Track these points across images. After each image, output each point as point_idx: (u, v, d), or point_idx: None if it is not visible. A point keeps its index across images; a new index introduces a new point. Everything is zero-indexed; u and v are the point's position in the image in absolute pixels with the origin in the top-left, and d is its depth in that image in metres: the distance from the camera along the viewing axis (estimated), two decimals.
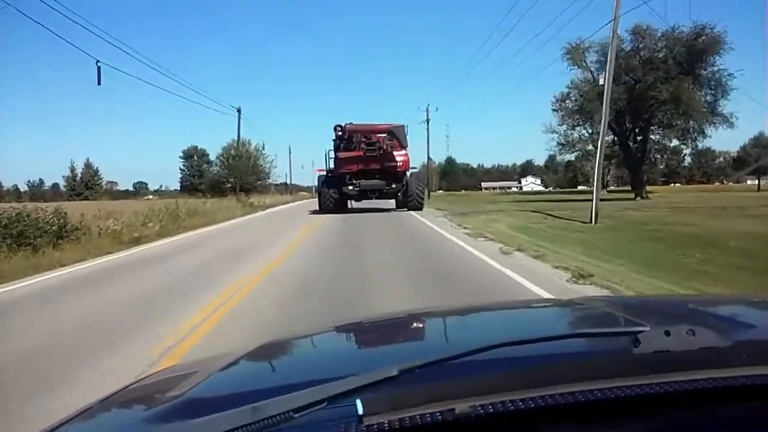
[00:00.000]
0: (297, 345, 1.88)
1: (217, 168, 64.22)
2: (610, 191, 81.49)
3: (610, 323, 1.71)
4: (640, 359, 0.96)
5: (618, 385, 0.88)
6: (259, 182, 64.68)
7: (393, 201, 30.98)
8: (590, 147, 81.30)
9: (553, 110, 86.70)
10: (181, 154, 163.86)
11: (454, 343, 1.73)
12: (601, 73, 30.04)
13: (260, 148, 64.94)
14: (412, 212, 27.47)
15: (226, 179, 62.33)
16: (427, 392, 0.87)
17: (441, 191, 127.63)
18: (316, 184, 32.73)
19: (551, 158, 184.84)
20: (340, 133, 27.73)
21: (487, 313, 2.21)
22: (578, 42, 44.54)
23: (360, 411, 0.82)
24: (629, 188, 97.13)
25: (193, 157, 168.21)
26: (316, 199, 31.92)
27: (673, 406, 0.90)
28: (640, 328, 1.05)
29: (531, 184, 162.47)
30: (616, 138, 68.41)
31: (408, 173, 29.02)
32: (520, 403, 0.84)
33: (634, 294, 6.95)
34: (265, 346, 1.75)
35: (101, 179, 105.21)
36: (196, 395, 1.26)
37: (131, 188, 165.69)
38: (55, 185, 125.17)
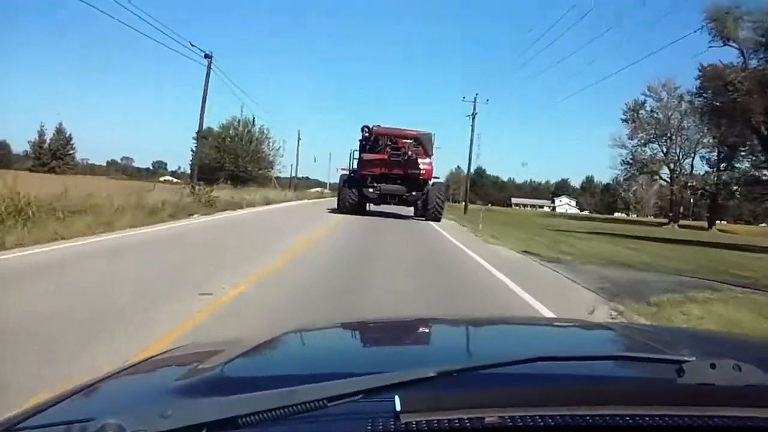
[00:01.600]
0: (321, 336, 1.88)
1: (212, 150, 54.37)
2: (680, 225, 69.48)
3: (653, 350, 1.61)
4: (683, 389, 0.93)
5: (658, 413, 0.87)
6: (261, 172, 54.45)
7: (411, 209, 30.07)
8: (665, 170, 70.71)
9: (623, 120, 75.69)
10: (195, 136, 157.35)
11: (491, 352, 1.71)
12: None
13: (265, 131, 54.84)
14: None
15: (220, 164, 52.12)
16: (462, 398, 0.87)
17: (477, 205, 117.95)
18: (338, 182, 31.81)
19: (588, 179, 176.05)
20: (366, 134, 27.12)
21: (521, 327, 2.27)
22: (729, 7, 32.48)
23: (398, 407, 0.83)
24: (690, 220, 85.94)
25: (207, 138, 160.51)
26: (326, 199, 33.71)
27: None
28: (685, 358, 1.01)
29: (565, 205, 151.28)
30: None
31: (430, 182, 28.37)
32: (550, 420, 0.83)
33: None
34: (288, 333, 1.73)
35: (73, 150, 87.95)
36: (226, 373, 1.26)
37: (151, 167, 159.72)
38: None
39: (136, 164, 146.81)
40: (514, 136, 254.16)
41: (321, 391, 0.84)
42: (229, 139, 52.86)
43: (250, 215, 24.18)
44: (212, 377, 1.24)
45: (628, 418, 0.85)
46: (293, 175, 66.16)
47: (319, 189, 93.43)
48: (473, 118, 45.70)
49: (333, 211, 28.81)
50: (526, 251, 15.23)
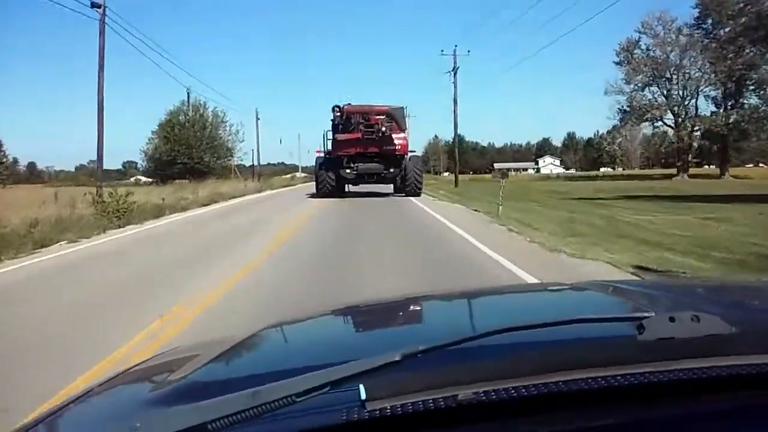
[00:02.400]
0: (294, 330, 1.85)
1: (159, 142, 47.73)
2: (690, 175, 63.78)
3: (614, 309, 1.69)
4: (644, 346, 0.94)
5: (621, 372, 0.88)
6: (220, 161, 47.65)
7: (391, 186, 28.93)
8: (668, 115, 64.17)
9: (617, 63, 68.75)
10: (154, 129, 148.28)
11: (455, 328, 1.63)
12: None
13: (220, 114, 47.85)
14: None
15: (172, 157, 45.23)
16: (429, 378, 0.87)
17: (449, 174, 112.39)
18: (314, 165, 32.00)
19: (570, 136, 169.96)
20: (338, 113, 26.76)
21: (488, 298, 2.25)
22: None
23: (363, 396, 0.83)
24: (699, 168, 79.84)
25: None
26: (297, 186, 33.38)
27: (677, 394, 0.90)
28: (645, 314, 1.02)
29: (550, 165, 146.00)
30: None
31: (407, 157, 27.73)
32: (523, 390, 0.84)
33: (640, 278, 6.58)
34: (262, 331, 1.71)
35: (5, 157, 79.49)
36: (197, 379, 1.26)
37: (122, 167, 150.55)
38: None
39: (106, 166, 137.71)
40: (490, 98, 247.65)
41: (288, 387, 0.82)
42: (178, 127, 45.83)
43: (174, 227, 17.07)
44: (183, 385, 1.21)
45: (591, 381, 0.86)
46: (256, 162, 56.48)
47: (289, 175, 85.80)
48: (455, 74, 39.22)
49: (309, 196, 27.05)
50: (612, 260, 8.53)
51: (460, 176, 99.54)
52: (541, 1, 52.78)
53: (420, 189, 27.38)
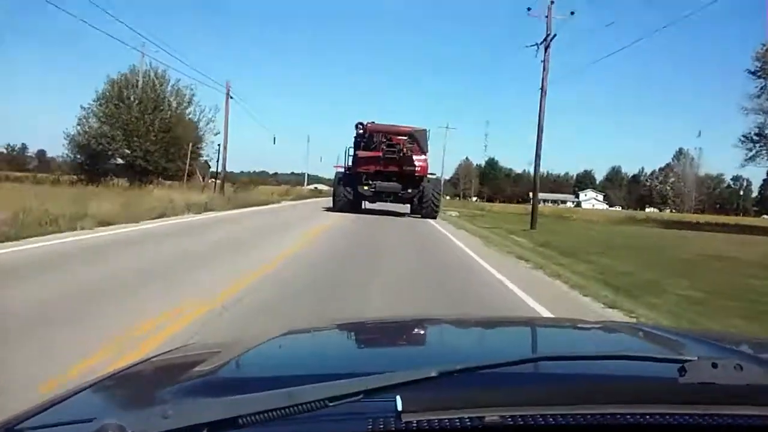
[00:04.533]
0: (319, 336, 1.87)
1: (97, 121, 32.46)
2: None
3: (653, 349, 1.65)
4: (685, 389, 0.93)
5: (662, 411, 0.87)
6: (174, 160, 32.73)
7: (408, 206, 28.57)
8: None
9: (752, 72, 51.10)
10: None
11: (492, 351, 1.71)
12: None
13: (187, 91, 33.17)
14: None
15: (108, 147, 30.45)
16: (463, 398, 0.88)
17: (482, 202, 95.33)
18: (333, 180, 31.15)
19: (615, 170, 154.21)
20: (361, 131, 26.68)
21: (525, 327, 2.27)
22: None
23: (399, 407, 0.83)
24: None
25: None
26: (283, 213, 26.57)
27: None
28: (687, 358, 1.00)
29: (592, 200, 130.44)
30: None
31: (425, 179, 27.23)
32: (551, 419, 0.84)
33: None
34: (288, 334, 1.72)
35: None
36: (225, 374, 1.27)
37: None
38: None
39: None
40: (527, 124, 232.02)
41: (322, 391, 0.83)
42: (116, 103, 31.25)
43: None
44: (213, 378, 1.24)
45: (629, 417, 0.85)
46: (220, 162, 34.55)
47: (282, 187, 69.87)
48: (546, 48, 24.14)
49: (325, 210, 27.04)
50: None
51: (489, 203, 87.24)
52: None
53: (437, 212, 27.47)
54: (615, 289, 9.18)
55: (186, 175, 31.49)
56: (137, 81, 31.40)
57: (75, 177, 31.24)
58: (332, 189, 31.53)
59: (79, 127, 32.39)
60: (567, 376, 1.08)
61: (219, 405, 0.84)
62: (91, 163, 31.51)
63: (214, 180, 35.17)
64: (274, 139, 50.57)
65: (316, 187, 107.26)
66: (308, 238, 13.92)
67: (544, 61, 24.06)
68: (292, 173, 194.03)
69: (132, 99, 31.19)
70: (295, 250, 11.21)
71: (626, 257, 14.80)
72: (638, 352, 1.44)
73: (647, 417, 0.86)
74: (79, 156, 32.73)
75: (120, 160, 30.88)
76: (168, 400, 1.07)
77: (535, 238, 19.51)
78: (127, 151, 30.48)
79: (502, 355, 1.15)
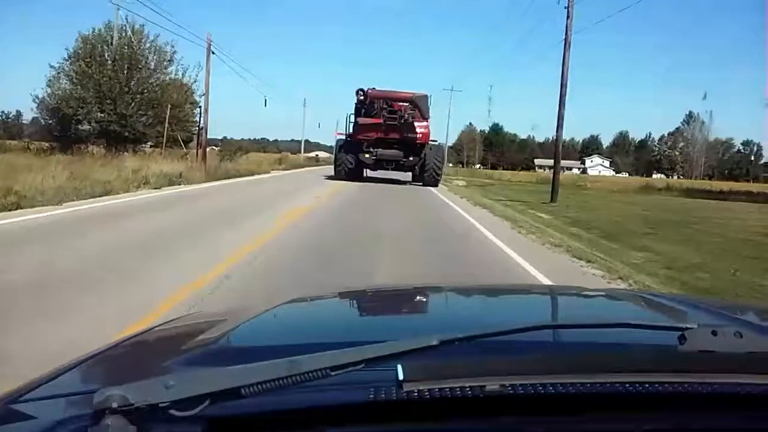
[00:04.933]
0: (323, 305, 1.87)
1: (69, 82, 28.52)
2: None
3: (654, 317, 1.64)
4: (685, 356, 0.94)
5: (661, 380, 0.87)
6: (152, 124, 29.64)
7: (409, 174, 28.14)
8: None
9: None
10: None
11: (494, 320, 1.70)
12: None
13: (166, 50, 29.90)
14: None
15: (79, 111, 27.40)
16: (464, 366, 0.87)
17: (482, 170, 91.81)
18: (334, 147, 31.34)
19: (621, 136, 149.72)
20: (362, 97, 26.20)
21: (527, 295, 2.28)
22: None
23: (401, 376, 0.83)
24: None
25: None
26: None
27: (715, 407, 0.90)
28: (687, 325, 1.00)
29: (598, 166, 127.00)
30: None
31: (427, 146, 26.71)
32: (551, 388, 0.84)
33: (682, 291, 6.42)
34: (290, 303, 1.73)
35: None
36: (227, 344, 1.28)
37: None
38: None
39: None
40: (531, 86, 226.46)
41: (323, 360, 0.83)
42: (87, 61, 27.58)
43: None
44: (214, 348, 1.24)
45: (628, 386, 0.86)
46: (202, 125, 29.81)
47: (278, 155, 64.23)
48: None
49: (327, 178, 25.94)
50: None
51: (493, 171, 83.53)
52: None
53: (438, 179, 27.14)
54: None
55: (165, 141, 28.25)
56: (111, 37, 27.99)
57: (47, 144, 28.09)
58: (332, 157, 31.63)
59: (48, 89, 28.82)
60: (568, 344, 1.07)
61: (222, 375, 0.83)
62: (62, 128, 28.37)
63: (184, 144, 31.71)
64: (265, 101, 45.76)
65: (317, 155, 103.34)
66: (262, 242, 8.34)
67: (567, 6, 20.86)
68: (293, 140, 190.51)
69: (105, 57, 27.77)
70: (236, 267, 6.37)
71: (679, 240, 12.06)
72: (639, 320, 1.40)
73: (646, 385, 0.86)
74: (49, 121, 29.54)
75: (93, 125, 27.67)
76: (171, 370, 1.09)
77: (563, 214, 16.66)
78: (101, 115, 27.29)
79: (504, 323, 1.16)
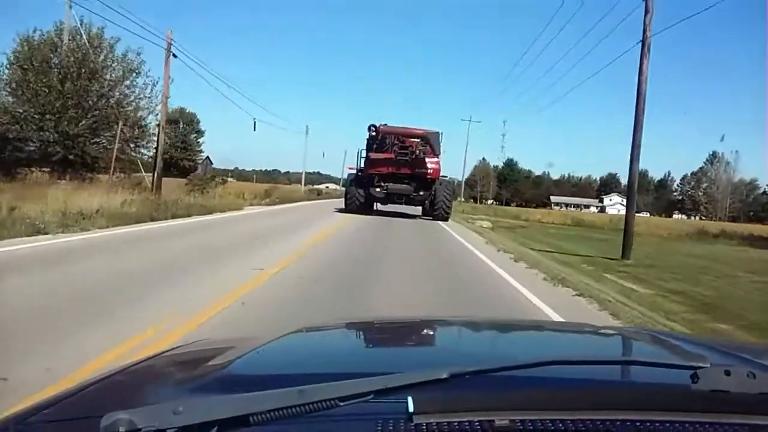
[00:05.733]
0: (332, 335, 1.86)
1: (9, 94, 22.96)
2: None
3: (667, 356, 1.58)
4: (698, 396, 0.91)
5: (673, 419, 0.87)
6: (105, 143, 23.88)
7: (419, 208, 28.77)
8: None
9: None
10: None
11: (503, 354, 1.69)
12: None
13: (130, 59, 24.42)
14: None
15: (11, 128, 21.80)
16: (474, 399, 0.88)
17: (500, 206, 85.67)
18: (346, 181, 32.42)
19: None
20: (373, 133, 26.32)
21: (536, 330, 2.25)
22: None
23: (411, 408, 0.83)
24: None
25: (179, 123, 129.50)
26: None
27: None
28: (700, 364, 0.97)
29: (617, 204, 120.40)
30: None
31: (437, 181, 26.90)
32: (560, 424, 0.83)
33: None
34: (298, 332, 1.70)
35: None
36: (236, 371, 1.26)
37: None
38: None
39: None
40: (548, 125, 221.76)
41: (333, 390, 0.82)
42: (34, 70, 22.01)
43: None
44: (223, 375, 1.22)
45: (638, 424, 0.85)
46: (157, 148, 23.28)
47: (266, 186, 53.23)
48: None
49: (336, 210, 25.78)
50: None
51: (518, 210, 77.40)
52: None
53: (448, 214, 27.14)
54: None
55: (113, 167, 22.22)
56: (60, 40, 22.58)
57: None
58: (338, 190, 32.72)
59: None
60: (578, 380, 1.06)
61: (230, 402, 0.82)
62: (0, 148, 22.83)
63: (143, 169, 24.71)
64: (255, 124, 39.59)
65: (326, 187, 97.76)
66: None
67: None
68: (316, 172, 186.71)
69: (50, 64, 22.34)
70: None
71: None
72: (650, 357, 1.37)
73: (658, 424, 0.85)
74: None
75: (34, 145, 22.17)
76: (179, 395, 1.08)
77: (657, 283, 10.85)
78: (41, 134, 21.76)
79: (514, 358, 1.15)
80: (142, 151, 26.34)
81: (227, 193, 27.74)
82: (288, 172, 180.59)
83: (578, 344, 1.91)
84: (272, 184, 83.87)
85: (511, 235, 22.73)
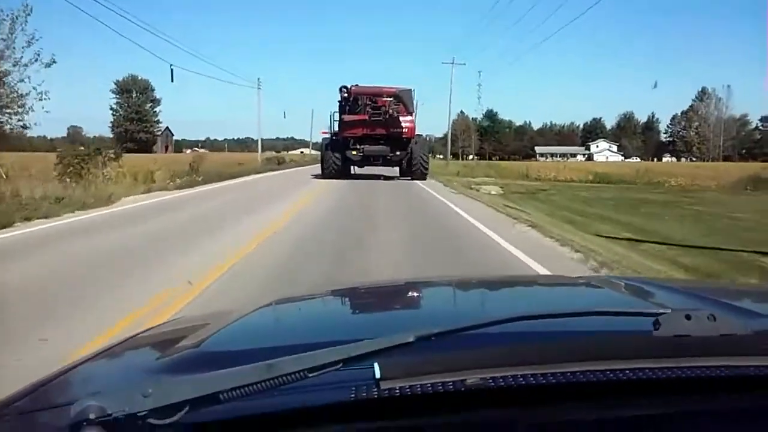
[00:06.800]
0: (303, 306, 1.86)
1: None
2: None
3: (629, 303, 1.64)
4: (660, 342, 0.93)
5: (636, 366, 0.88)
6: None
7: (396, 169, 28.31)
8: None
9: None
10: (114, 87, 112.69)
11: (468, 313, 1.71)
12: None
13: None
14: None
15: None
16: (441, 361, 0.88)
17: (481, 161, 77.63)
18: (321, 145, 31.34)
19: (626, 117, 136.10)
20: (345, 94, 26.27)
21: (501, 286, 2.24)
22: None
23: (378, 375, 0.83)
24: None
25: (132, 92, 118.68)
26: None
27: (691, 391, 0.91)
28: (661, 310, 0.98)
29: (606, 151, 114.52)
30: None
31: (413, 140, 26.58)
32: (531, 379, 0.84)
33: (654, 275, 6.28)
34: (273, 304, 1.71)
35: None
36: (207, 349, 1.24)
37: (66, 134, 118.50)
38: None
39: (48, 134, 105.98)
40: (523, 72, 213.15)
41: (301, 362, 0.83)
42: None
43: None
44: (195, 353, 1.21)
45: (608, 372, 0.86)
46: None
47: (188, 153, 40.62)
48: None
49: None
50: None
51: (487, 161, 68.75)
52: None
53: (426, 172, 26.69)
54: None
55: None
56: None
57: None
58: (318, 155, 33.26)
59: None
60: (545, 334, 1.06)
61: (200, 381, 0.82)
62: None
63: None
64: (172, 73, 29.64)
65: (301, 152, 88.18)
66: None
67: None
68: (278, 138, 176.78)
69: None
70: None
71: None
72: (614, 306, 1.40)
73: (625, 372, 0.86)
74: None
75: None
76: (150, 377, 1.07)
77: None
78: None
79: (482, 316, 1.15)
80: (12, 121, 18.25)
81: (121, 174, 18.68)
82: (262, 139, 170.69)
83: (546, 298, 1.98)
84: (245, 153, 74.07)
85: (543, 209, 15.53)
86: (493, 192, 21.05)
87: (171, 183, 17.35)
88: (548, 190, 23.48)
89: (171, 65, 22.27)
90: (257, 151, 57.12)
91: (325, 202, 16.03)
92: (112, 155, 18.56)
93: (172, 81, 24.53)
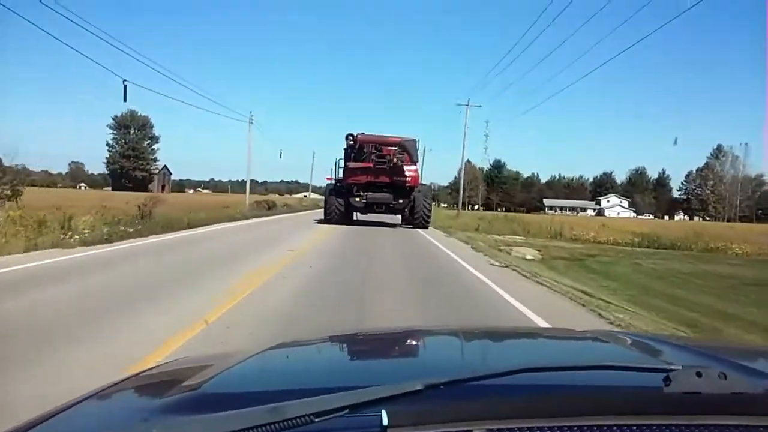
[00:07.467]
0: (310, 349, 1.83)
1: None
2: None
3: (638, 359, 1.58)
4: (670, 398, 0.91)
5: (645, 422, 0.87)
6: None
7: (399, 216, 28.63)
8: None
9: None
10: (112, 123, 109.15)
11: (476, 363, 1.68)
12: None
13: None
14: None
15: None
16: (449, 411, 0.87)
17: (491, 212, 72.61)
18: (324, 191, 31.34)
19: (638, 172, 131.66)
20: (351, 142, 26.44)
21: (506, 337, 2.21)
22: None
23: (385, 422, 0.82)
24: None
25: (129, 128, 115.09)
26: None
27: None
28: (671, 367, 0.98)
29: (617, 207, 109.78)
30: None
31: (416, 189, 26.88)
32: (537, 431, 0.83)
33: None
34: (278, 347, 1.66)
35: None
36: (211, 390, 1.24)
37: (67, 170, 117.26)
38: None
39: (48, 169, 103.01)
40: (532, 124, 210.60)
41: (307, 406, 0.82)
42: None
43: None
44: (199, 394, 1.20)
45: (615, 428, 0.85)
46: None
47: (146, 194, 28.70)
48: None
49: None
50: None
51: (504, 214, 63.12)
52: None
53: (428, 221, 27.08)
54: None
55: None
56: None
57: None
58: (321, 199, 34.98)
59: None
60: (552, 387, 1.04)
61: (205, 422, 0.82)
62: None
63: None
64: (125, 92, 23.88)
65: (304, 196, 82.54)
66: None
67: None
68: (281, 181, 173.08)
69: None
70: None
71: None
72: (623, 361, 1.36)
73: (633, 428, 0.85)
74: None
75: None
76: (153, 417, 1.06)
77: None
78: None
79: (488, 366, 1.14)
80: None
81: (13, 219, 12.68)
82: (266, 182, 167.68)
83: (554, 351, 1.89)
84: (242, 195, 69.29)
85: (615, 289, 10.61)
86: (528, 257, 15.83)
87: (77, 237, 11.76)
88: (597, 255, 18.08)
89: (124, 80, 17.73)
90: (263, 193, 51.77)
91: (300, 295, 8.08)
92: (8, 192, 13.62)
93: (125, 101, 19.63)
